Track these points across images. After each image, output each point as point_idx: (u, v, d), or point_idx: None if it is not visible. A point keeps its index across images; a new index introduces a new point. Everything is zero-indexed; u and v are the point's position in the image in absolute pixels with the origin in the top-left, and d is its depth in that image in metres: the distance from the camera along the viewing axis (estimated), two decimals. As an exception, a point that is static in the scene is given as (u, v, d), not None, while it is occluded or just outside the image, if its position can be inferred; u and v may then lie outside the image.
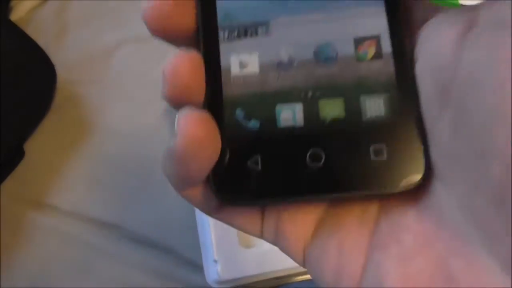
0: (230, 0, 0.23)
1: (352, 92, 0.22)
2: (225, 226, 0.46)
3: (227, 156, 0.21)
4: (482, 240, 0.19)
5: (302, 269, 0.45)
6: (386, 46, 0.22)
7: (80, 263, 0.49)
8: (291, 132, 0.22)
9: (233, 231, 0.44)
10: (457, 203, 0.19)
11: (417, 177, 0.21)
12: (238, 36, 0.23)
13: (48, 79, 0.51)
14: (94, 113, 0.52)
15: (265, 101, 0.22)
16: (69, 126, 0.52)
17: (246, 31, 0.23)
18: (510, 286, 0.18)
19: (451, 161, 0.19)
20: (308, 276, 0.46)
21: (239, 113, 0.22)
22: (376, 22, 0.22)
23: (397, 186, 0.21)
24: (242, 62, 0.22)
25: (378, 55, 0.22)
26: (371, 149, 0.21)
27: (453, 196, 0.20)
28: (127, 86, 0.52)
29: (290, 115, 0.22)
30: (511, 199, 0.17)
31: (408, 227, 0.21)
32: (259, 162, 0.21)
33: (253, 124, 0.22)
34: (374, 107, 0.22)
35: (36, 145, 0.51)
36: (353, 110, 0.22)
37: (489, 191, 0.18)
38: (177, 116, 0.21)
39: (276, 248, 0.45)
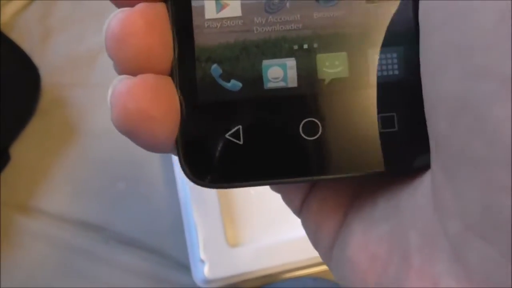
0: None
1: (359, 45, 0.17)
2: (212, 225, 0.47)
3: (200, 128, 0.17)
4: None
5: (289, 267, 0.45)
6: None
7: (68, 266, 0.46)
8: (281, 95, 0.17)
9: (220, 230, 0.43)
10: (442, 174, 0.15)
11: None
12: None
13: (32, 82, 0.49)
14: (79, 116, 0.49)
15: (248, 54, 0.17)
16: (55, 129, 0.49)
17: None
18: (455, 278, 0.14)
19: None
20: (295, 274, 0.46)
21: (215, 70, 0.17)
22: None
23: (409, 164, 0.16)
24: (219, 1, 0.17)
25: None
26: (380, 118, 0.16)
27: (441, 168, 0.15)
28: (112, 89, 0.52)
29: (280, 73, 0.17)
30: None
31: (385, 189, 0.17)
32: (241, 135, 0.17)
33: (233, 85, 0.17)
34: (387, 64, 0.16)
35: (22, 149, 0.48)
36: (360, 68, 0.17)
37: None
38: (112, 84, 0.16)
39: (263, 247, 0.45)
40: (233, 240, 0.44)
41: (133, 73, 0.16)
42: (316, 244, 0.19)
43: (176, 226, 0.46)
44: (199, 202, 0.43)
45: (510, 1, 0.12)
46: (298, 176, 0.17)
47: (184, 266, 0.46)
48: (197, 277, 0.43)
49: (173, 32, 0.17)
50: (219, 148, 0.17)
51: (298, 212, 0.20)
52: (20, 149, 0.48)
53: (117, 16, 0.16)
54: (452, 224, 0.14)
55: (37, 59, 0.49)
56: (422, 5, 0.15)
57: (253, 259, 0.43)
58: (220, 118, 0.17)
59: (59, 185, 0.48)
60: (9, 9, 0.52)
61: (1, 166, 0.47)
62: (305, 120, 0.17)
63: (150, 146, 0.17)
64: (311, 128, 0.17)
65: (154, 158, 0.48)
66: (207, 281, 0.42)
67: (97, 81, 0.51)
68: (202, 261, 0.42)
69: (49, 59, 0.50)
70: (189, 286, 0.45)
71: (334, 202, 0.19)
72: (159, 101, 0.16)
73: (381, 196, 0.17)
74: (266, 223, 0.45)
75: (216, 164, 0.17)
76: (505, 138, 0.12)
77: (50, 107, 0.50)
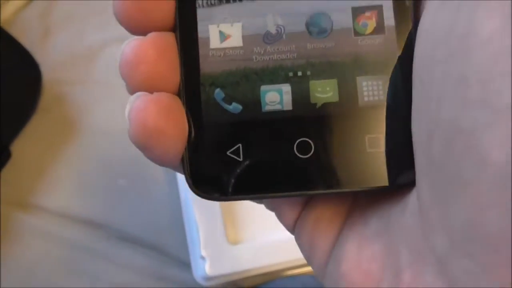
0: None
1: (347, 72, 0.18)
2: (213, 223, 0.47)
3: (204, 145, 0.18)
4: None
5: (289, 265, 0.45)
6: (389, 18, 0.18)
7: (69, 263, 0.46)
8: (277, 117, 0.18)
9: (220, 228, 0.43)
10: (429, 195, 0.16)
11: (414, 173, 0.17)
12: (219, 1, 0.19)
13: (33, 79, 0.49)
14: (80, 113, 0.49)
15: (248, 80, 0.19)
16: (56, 126, 0.49)
17: None
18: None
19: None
20: (295, 271, 0.46)
21: (219, 94, 0.19)
22: None
23: (394, 181, 0.18)
24: (222, 33, 0.19)
25: (379, 28, 0.19)
26: (367, 138, 0.18)
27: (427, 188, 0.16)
28: (112, 86, 0.49)
29: (276, 97, 0.19)
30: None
31: (376, 208, 0.19)
32: (241, 152, 0.18)
33: (234, 107, 0.19)
34: (373, 90, 0.18)
35: (23, 146, 0.48)
36: (349, 93, 0.18)
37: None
38: (129, 100, 0.18)
39: (263, 244, 0.45)
40: (234, 237, 0.44)
41: None
42: (310, 260, 0.20)
43: (177, 223, 0.46)
44: (200, 200, 0.43)
45: (510, 43, 0.13)
46: (291, 191, 0.19)
47: (184, 263, 0.46)
48: (198, 274, 0.43)
49: (180, 59, 0.18)
50: (221, 164, 0.18)
51: (292, 229, 0.21)
52: (20, 146, 0.49)
53: (130, 44, 0.18)
54: (438, 241, 0.16)
55: (38, 56, 0.49)
56: (422, 41, 0.16)
57: (253, 257, 0.43)
58: (222, 137, 0.19)
59: (60, 182, 0.48)
60: (10, 6, 0.52)
61: (2, 163, 0.47)
62: (299, 140, 0.18)
63: (161, 160, 0.18)
64: (304, 147, 0.18)
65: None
66: (208, 278, 0.42)
67: (98, 78, 0.51)
68: (203, 258, 0.42)
69: (50, 56, 0.50)
70: (189, 283, 0.45)
71: (328, 220, 0.20)
72: (172, 120, 0.18)
73: (372, 215, 0.19)
74: (267, 220, 0.45)
75: (218, 179, 0.19)
76: (493, 163, 0.13)
77: (51, 104, 0.50)
